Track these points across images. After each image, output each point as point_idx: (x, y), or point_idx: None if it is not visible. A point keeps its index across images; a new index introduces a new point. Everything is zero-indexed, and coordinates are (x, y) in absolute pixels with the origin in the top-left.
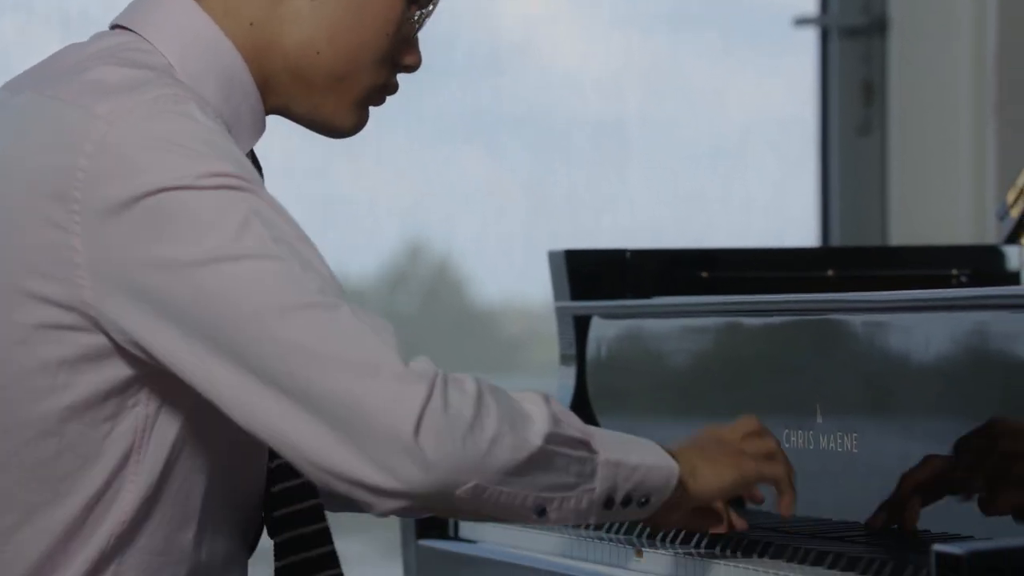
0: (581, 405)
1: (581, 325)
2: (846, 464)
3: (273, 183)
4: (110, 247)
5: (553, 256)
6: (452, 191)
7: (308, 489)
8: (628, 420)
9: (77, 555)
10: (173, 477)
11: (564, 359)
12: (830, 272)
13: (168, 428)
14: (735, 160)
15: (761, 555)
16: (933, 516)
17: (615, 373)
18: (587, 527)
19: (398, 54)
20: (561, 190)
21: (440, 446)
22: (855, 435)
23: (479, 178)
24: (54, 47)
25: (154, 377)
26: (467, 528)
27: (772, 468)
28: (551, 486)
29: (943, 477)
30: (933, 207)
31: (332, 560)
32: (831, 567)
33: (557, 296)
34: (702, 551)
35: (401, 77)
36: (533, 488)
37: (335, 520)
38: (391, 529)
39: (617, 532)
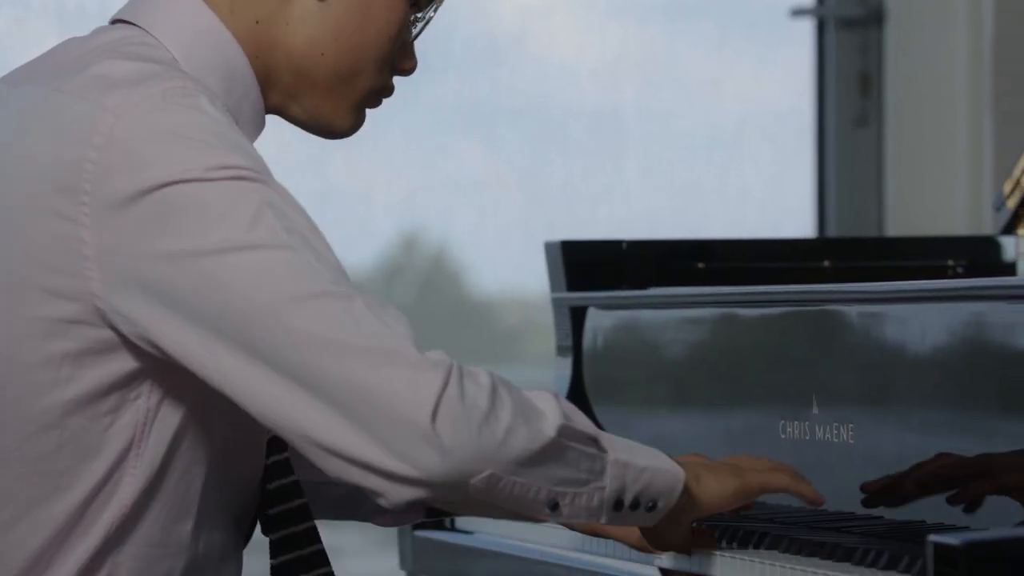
0: (577, 396)
1: (577, 316)
2: (842, 455)
3: None
4: (119, 240)
5: (549, 247)
6: (448, 182)
7: (297, 488)
8: (624, 411)
9: (76, 547)
10: (172, 469)
11: (560, 350)
12: (826, 263)
13: (169, 421)
14: (732, 151)
15: (757, 546)
16: (928, 506)
17: (612, 364)
18: None
19: (396, 58)
20: (557, 181)
21: (457, 434)
22: (851, 426)
23: (475, 169)
24: (50, 40)
25: (158, 370)
26: (463, 519)
27: (776, 476)
28: (564, 480)
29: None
30: (930, 198)
31: (323, 557)
32: (827, 557)
33: (553, 287)
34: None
35: None
36: (547, 481)
37: None
38: None
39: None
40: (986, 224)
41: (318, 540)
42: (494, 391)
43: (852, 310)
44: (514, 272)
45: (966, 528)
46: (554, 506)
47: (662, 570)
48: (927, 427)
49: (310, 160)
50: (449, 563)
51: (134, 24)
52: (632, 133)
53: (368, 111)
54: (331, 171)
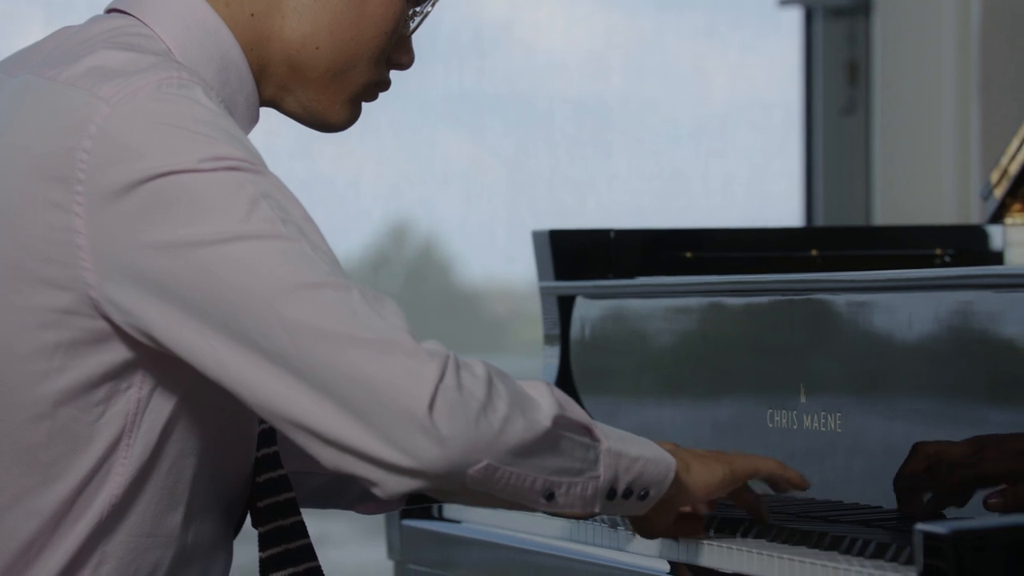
0: (565, 385)
1: (565, 305)
2: (830, 444)
3: None
4: (114, 230)
5: (537, 236)
6: (436, 172)
7: (285, 482)
8: (612, 400)
9: (66, 537)
10: (163, 459)
11: (548, 339)
12: (814, 252)
13: (160, 411)
14: (719, 140)
15: (745, 535)
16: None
17: (599, 353)
18: None
19: (393, 52)
20: (545, 171)
21: (454, 424)
22: (839, 415)
23: (462, 159)
24: (37, 29)
25: (150, 360)
26: (451, 508)
27: (764, 461)
28: (559, 470)
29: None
30: (917, 187)
31: (311, 552)
32: (815, 546)
33: (541, 276)
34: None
35: None
36: (543, 471)
37: None
38: None
39: (608, 515)
40: (974, 213)
41: (305, 535)
42: (490, 381)
43: (840, 299)
44: (502, 261)
45: (954, 517)
46: (550, 496)
47: (653, 559)
48: (914, 416)
49: (298, 150)
50: (437, 552)
51: (129, 14)
52: (619, 122)
53: (358, 118)
54: (319, 161)
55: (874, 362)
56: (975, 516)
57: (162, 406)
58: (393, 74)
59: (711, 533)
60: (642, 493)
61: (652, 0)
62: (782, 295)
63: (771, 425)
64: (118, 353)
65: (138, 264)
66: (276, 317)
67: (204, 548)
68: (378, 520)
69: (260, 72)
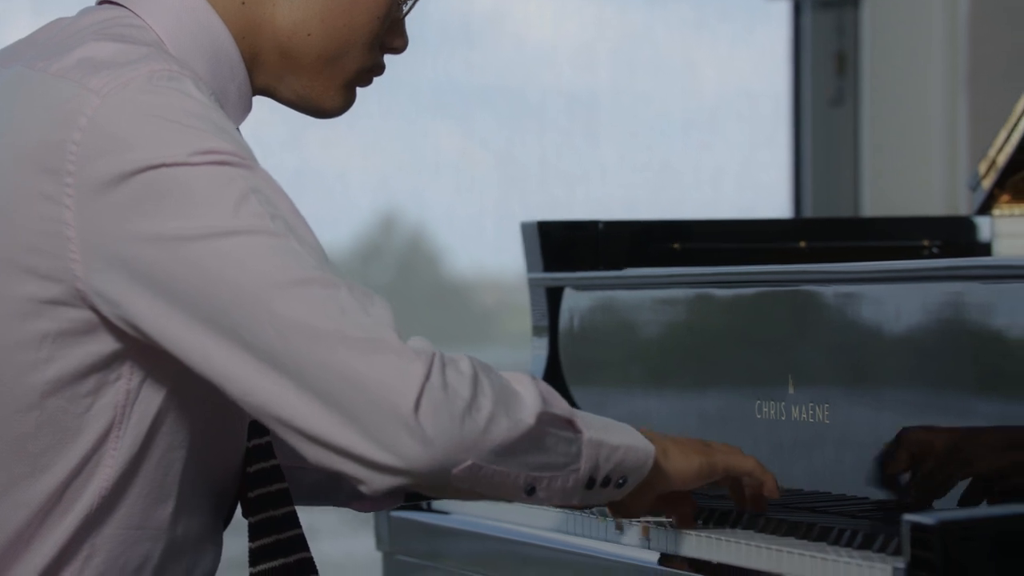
0: (554, 376)
1: (554, 296)
2: (818, 435)
3: None
4: (103, 222)
5: (526, 227)
6: (425, 163)
7: (278, 472)
8: (600, 391)
9: (55, 528)
10: (152, 452)
11: (537, 330)
12: (802, 243)
13: (149, 403)
14: (708, 132)
15: (734, 526)
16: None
17: (588, 344)
18: None
19: (386, 36)
20: (533, 162)
21: (439, 424)
22: (827, 406)
23: (452, 150)
24: (23, 21)
25: (138, 352)
26: (440, 500)
27: (741, 459)
28: (541, 465)
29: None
30: (905, 178)
31: (303, 542)
32: (803, 537)
33: (530, 267)
34: (674, 522)
35: None
36: (525, 467)
37: None
38: None
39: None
40: (962, 204)
41: (297, 524)
42: (476, 379)
43: (828, 290)
44: (491, 253)
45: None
46: (531, 491)
47: (641, 551)
48: (902, 407)
49: (287, 141)
50: (425, 544)
51: (121, 4)
52: (608, 114)
53: (353, 103)
54: (308, 152)
55: (862, 353)
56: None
57: (151, 398)
58: (384, 64)
59: (699, 523)
60: (620, 481)
61: None
62: (770, 286)
63: (759, 416)
64: (106, 344)
65: (126, 256)
66: (263, 313)
67: (193, 540)
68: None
69: (252, 61)
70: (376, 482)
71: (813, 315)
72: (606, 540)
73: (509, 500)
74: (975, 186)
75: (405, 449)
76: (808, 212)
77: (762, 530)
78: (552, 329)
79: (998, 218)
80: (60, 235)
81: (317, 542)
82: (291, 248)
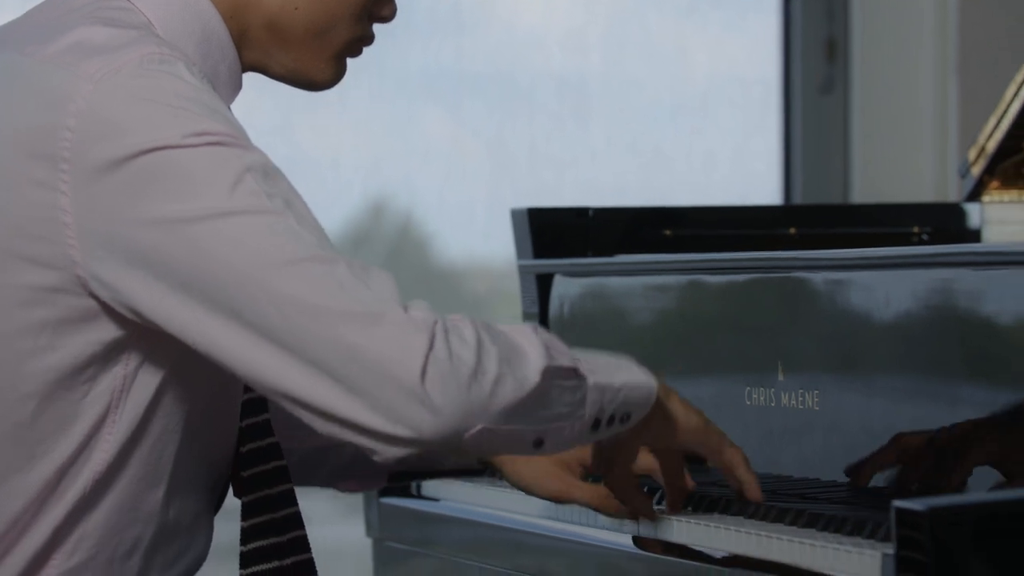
0: None
1: (544, 283)
2: (807, 422)
3: None
4: (100, 207)
5: (516, 214)
6: (415, 149)
7: (275, 450)
8: None
9: (49, 513)
10: (147, 436)
11: (527, 317)
12: (792, 230)
13: (145, 388)
14: (698, 117)
15: (723, 512)
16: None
17: (578, 331)
18: None
19: (374, 6)
20: (524, 148)
21: (446, 391)
22: (816, 392)
23: (442, 136)
24: (10, 6)
25: (136, 338)
26: (429, 486)
27: (733, 451)
28: (549, 418)
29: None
30: (895, 165)
31: (297, 521)
32: (791, 524)
33: (520, 254)
34: (664, 508)
35: None
36: (534, 422)
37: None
38: None
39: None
40: (951, 191)
41: (294, 503)
42: (479, 343)
43: (818, 277)
44: (481, 239)
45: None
46: (539, 443)
47: (632, 538)
48: (892, 394)
49: (277, 126)
50: (415, 530)
51: None
52: (599, 100)
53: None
54: (298, 137)
55: (852, 340)
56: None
57: (147, 383)
58: (372, 50)
59: (688, 510)
60: (624, 417)
61: None
62: (761, 273)
63: (749, 403)
64: (106, 331)
65: (124, 240)
66: (264, 292)
67: (185, 525)
68: (356, 498)
69: (241, 38)
70: (388, 452)
71: (803, 302)
72: (596, 527)
73: (519, 454)
74: (965, 173)
75: (415, 419)
76: (798, 199)
77: (751, 516)
78: (542, 316)
79: (988, 205)
80: (57, 221)
81: (307, 528)
82: (289, 226)
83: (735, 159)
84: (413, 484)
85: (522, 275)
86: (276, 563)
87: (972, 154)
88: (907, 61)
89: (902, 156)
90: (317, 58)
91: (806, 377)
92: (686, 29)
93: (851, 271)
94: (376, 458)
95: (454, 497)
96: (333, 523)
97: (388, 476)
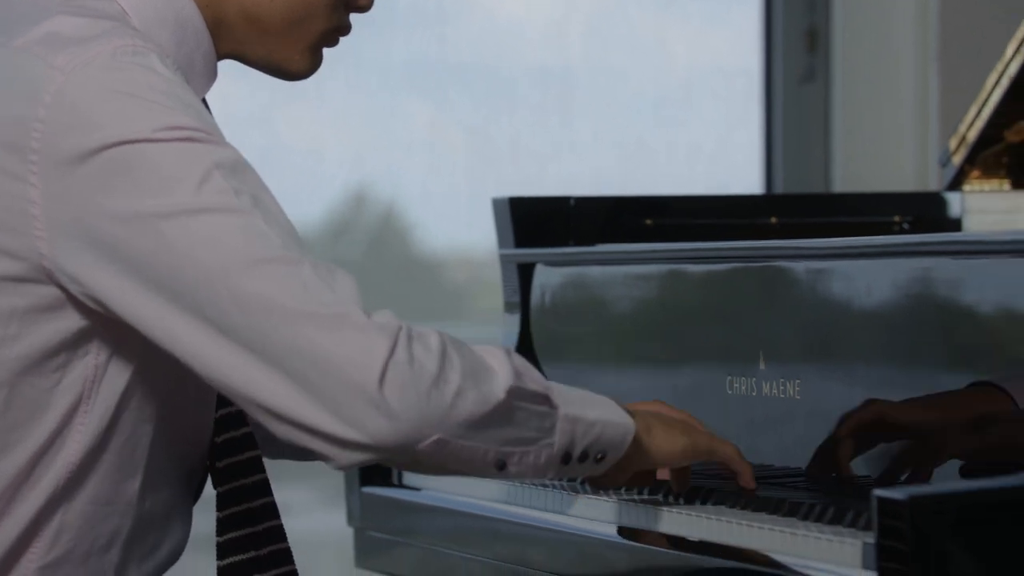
0: (525, 352)
1: (525, 272)
2: (789, 410)
3: None
4: (69, 199)
5: (497, 203)
6: (396, 139)
7: (249, 440)
8: (572, 367)
9: (22, 504)
10: (120, 427)
11: (508, 307)
12: (774, 219)
13: (117, 378)
14: (679, 108)
15: (704, 502)
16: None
17: (559, 320)
18: None
19: None
20: (506, 138)
21: (404, 398)
22: (798, 381)
23: (424, 127)
24: None
25: (106, 328)
26: (411, 475)
27: (723, 445)
28: (512, 440)
29: (881, 422)
30: (876, 154)
31: (273, 511)
32: (773, 512)
33: (501, 244)
34: (645, 497)
35: None
36: (495, 442)
37: (279, 467)
38: (335, 476)
39: (560, 478)
40: (932, 180)
41: (269, 492)
42: (444, 353)
43: (799, 266)
44: (463, 229)
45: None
46: (502, 466)
47: (612, 527)
48: (873, 382)
49: (256, 117)
50: (396, 519)
51: None
52: (581, 90)
53: (320, 65)
54: (278, 127)
55: (833, 329)
56: (934, 481)
57: (120, 373)
58: (353, 41)
59: (670, 500)
60: (598, 456)
61: None
62: (742, 262)
63: (730, 392)
64: (74, 321)
65: (91, 233)
66: (227, 291)
67: (162, 515)
68: (338, 488)
69: (217, 27)
70: (343, 458)
71: (784, 291)
72: (578, 516)
73: (481, 476)
74: (945, 162)
75: (370, 424)
76: (779, 188)
77: (733, 506)
78: (524, 305)
79: (968, 194)
80: (25, 212)
81: (289, 518)
82: (255, 226)
83: (717, 150)
84: (394, 473)
85: (503, 264)
86: (253, 553)
87: (953, 143)
88: (888, 51)
89: (883, 145)
90: (293, 48)
91: (787, 366)
92: (667, 21)
93: (832, 260)
94: (332, 465)
95: (435, 486)
96: (314, 512)
97: None
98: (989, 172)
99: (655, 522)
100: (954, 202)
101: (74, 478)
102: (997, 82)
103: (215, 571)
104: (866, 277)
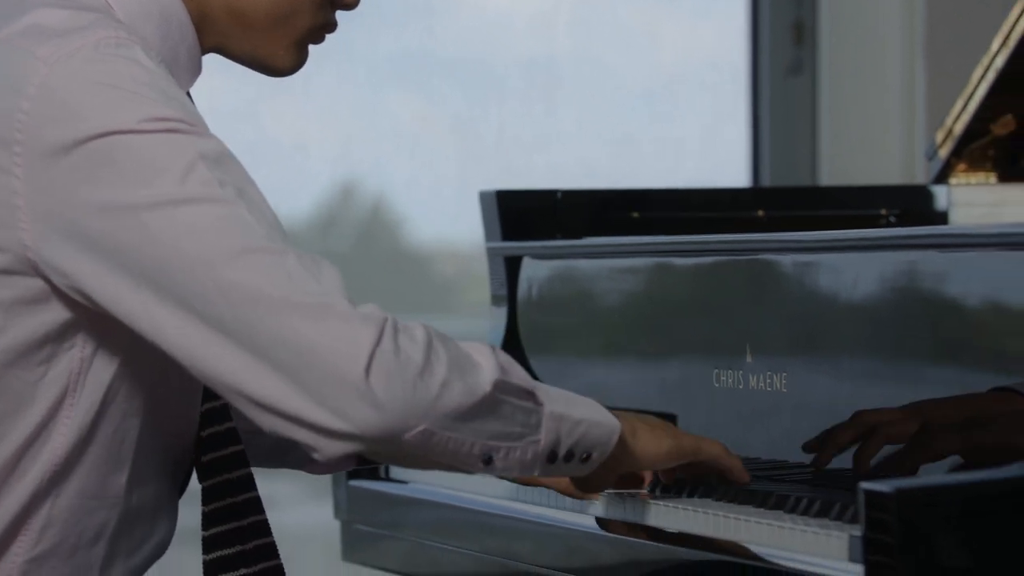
0: (512, 346)
1: (512, 265)
2: (775, 403)
3: None
4: (53, 191)
5: (484, 196)
6: (384, 132)
7: (233, 435)
8: (559, 360)
9: (9, 496)
10: (107, 420)
11: (495, 299)
12: (760, 212)
13: (103, 371)
14: (666, 100)
15: (691, 494)
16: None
17: (546, 313)
18: None
19: None
20: (493, 130)
21: (391, 388)
22: (784, 375)
23: (411, 119)
24: None
25: (91, 320)
26: (397, 469)
27: (710, 444)
28: (498, 434)
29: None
30: (863, 147)
31: (257, 506)
32: (760, 505)
33: (488, 237)
34: (631, 491)
35: None
36: (480, 435)
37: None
38: None
39: (547, 478)
40: (919, 173)
41: (253, 487)
42: (429, 345)
43: (786, 259)
44: (450, 222)
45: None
46: (488, 460)
47: (598, 520)
48: (859, 376)
49: (243, 110)
50: (384, 512)
51: None
52: (567, 82)
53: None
54: (266, 121)
55: (820, 322)
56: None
57: (106, 366)
58: (340, 34)
59: (657, 493)
60: (584, 456)
61: None
62: (729, 255)
63: (717, 385)
64: (58, 313)
65: (76, 225)
66: (212, 281)
67: (149, 509)
68: (325, 481)
69: (201, 21)
70: (328, 448)
71: (771, 284)
72: (564, 509)
73: (468, 471)
74: (932, 155)
75: (356, 414)
76: (766, 181)
77: (719, 499)
78: (511, 298)
79: (955, 187)
80: (8, 204)
81: (275, 511)
82: (240, 216)
83: (704, 142)
84: (381, 466)
85: (490, 257)
86: (239, 547)
87: (939, 136)
88: (875, 44)
89: (870, 138)
90: (277, 44)
91: (774, 359)
92: (654, 13)
93: (819, 253)
94: (317, 455)
95: (422, 479)
96: (301, 505)
97: (357, 458)
98: (976, 165)
99: (642, 515)
100: (941, 195)
101: (60, 472)
102: (983, 75)
103: (201, 565)
104: (853, 270)
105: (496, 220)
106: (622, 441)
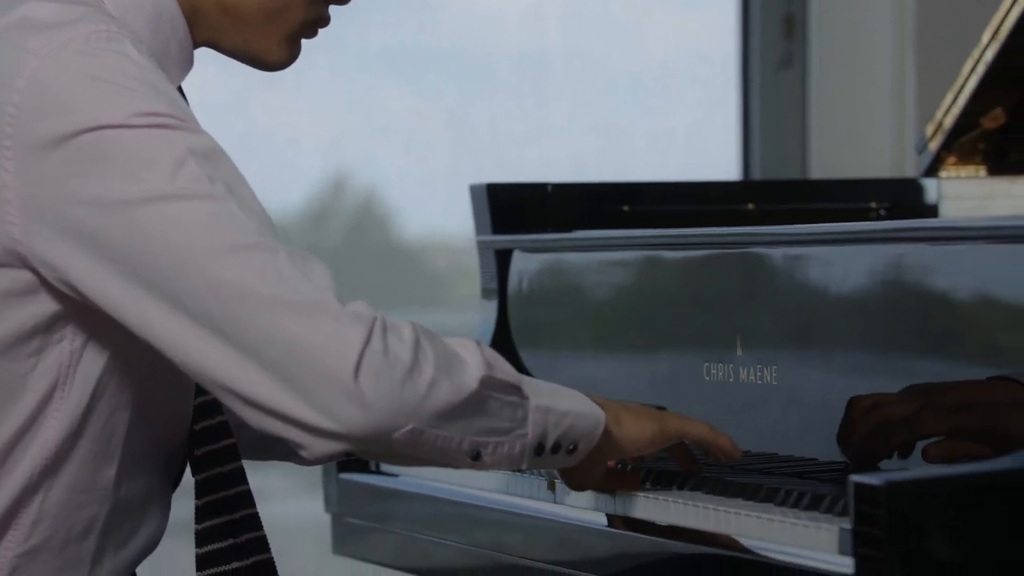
0: (503, 339)
1: (503, 259)
2: (766, 396)
3: None
4: (42, 184)
5: (475, 190)
6: (375, 125)
7: (225, 429)
8: (549, 353)
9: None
10: (97, 414)
11: (486, 293)
12: (751, 206)
13: (93, 364)
14: (657, 93)
15: (680, 487)
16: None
17: (537, 306)
18: None
19: None
20: (484, 124)
21: (379, 387)
22: (775, 367)
23: (402, 112)
24: None
25: (81, 313)
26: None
27: (696, 425)
28: (485, 430)
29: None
30: (853, 140)
31: (248, 499)
32: (750, 498)
33: (479, 230)
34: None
35: None
36: (468, 432)
37: None
38: None
39: (536, 470)
40: (909, 166)
41: (244, 481)
42: (417, 344)
43: (776, 252)
44: (441, 215)
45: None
46: (476, 456)
47: (588, 513)
48: (849, 368)
49: (234, 104)
50: (374, 505)
51: None
52: (558, 75)
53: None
54: (258, 114)
55: (810, 315)
56: (910, 467)
57: (95, 359)
58: (332, 27)
59: (647, 486)
60: (570, 447)
61: None
62: (719, 248)
63: (708, 378)
64: (48, 305)
65: (66, 219)
66: (202, 278)
67: (139, 503)
68: (315, 474)
69: (192, 15)
70: (316, 447)
71: (761, 277)
72: (554, 502)
73: (456, 466)
74: (922, 148)
75: (344, 414)
76: (756, 175)
77: (710, 492)
78: (501, 292)
79: (945, 180)
80: None
81: (266, 504)
82: (230, 212)
83: (694, 135)
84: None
85: (481, 250)
86: (231, 540)
87: (929, 130)
88: (865, 37)
89: (860, 132)
90: (269, 39)
91: (764, 352)
92: (645, 6)
93: (809, 246)
94: (304, 454)
95: (413, 472)
96: (292, 498)
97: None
98: (965, 158)
99: (632, 508)
100: (931, 188)
101: (51, 465)
102: (973, 69)
103: (194, 558)
104: (843, 263)
105: (487, 213)
106: (607, 430)
